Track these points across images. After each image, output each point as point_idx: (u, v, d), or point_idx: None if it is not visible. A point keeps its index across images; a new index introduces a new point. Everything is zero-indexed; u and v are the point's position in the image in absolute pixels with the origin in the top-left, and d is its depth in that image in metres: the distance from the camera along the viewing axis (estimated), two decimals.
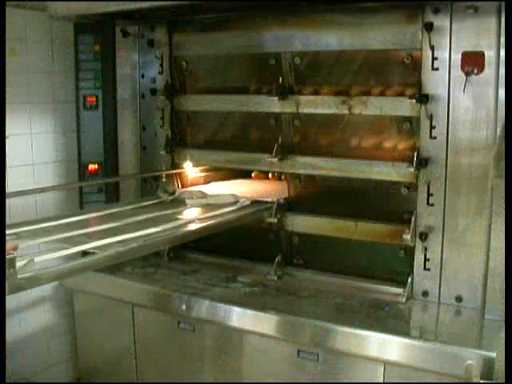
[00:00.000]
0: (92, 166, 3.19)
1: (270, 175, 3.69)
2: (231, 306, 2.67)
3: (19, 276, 1.81)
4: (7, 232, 2.23)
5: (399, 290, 2.67)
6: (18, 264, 1.79)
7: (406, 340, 2.31)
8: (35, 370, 3.31)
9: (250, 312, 2.62)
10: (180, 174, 3.39)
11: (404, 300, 2.62)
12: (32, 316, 3.29)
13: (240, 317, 2.65)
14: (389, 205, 2.81)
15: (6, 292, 1.81)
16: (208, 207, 2.85)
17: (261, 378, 2.66)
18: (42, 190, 3.00)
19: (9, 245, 1.96)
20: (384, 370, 2.36)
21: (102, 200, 3.19)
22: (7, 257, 1.74)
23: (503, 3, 2.24)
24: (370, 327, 2.40)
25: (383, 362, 2.35)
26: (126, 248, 2.17)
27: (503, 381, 1.77)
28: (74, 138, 3.23)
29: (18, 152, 3.17)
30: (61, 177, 3.37)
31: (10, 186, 3.09)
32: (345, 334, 2.41)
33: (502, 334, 1.79)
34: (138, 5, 2.75)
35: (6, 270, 1.75)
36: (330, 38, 2.77)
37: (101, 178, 3.20)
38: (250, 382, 2.69)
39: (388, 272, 2.79)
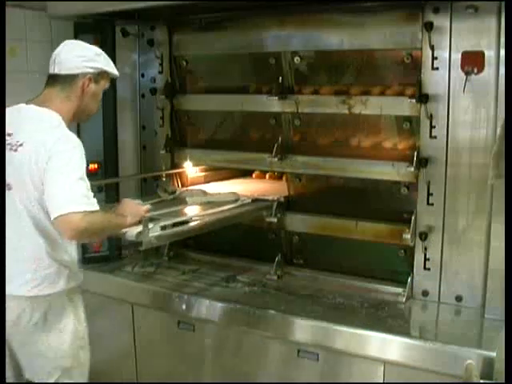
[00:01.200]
0: (92, 166, 3.18)
1: (267, 175, 3.68)
2: (231, 306, 2.67)
3: (150, 234, 2.26)
4: None
5: (399, 290, 2.67)
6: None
7: (406, 340, 2.31)
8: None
9: (249, 312, 2.62)
10: (180, 173, 3.39)
11: (404, 300, 2.62)
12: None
13: (240, 316, 2.65)
14: (389, 204, 2.81)
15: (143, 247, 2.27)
16: (208, 205, 2.84)
17: (260, 377, 2.66)
18: None
19: (144, 208, 2.34)
20: (384, 369, 2.35)
21: (101, 200, 3.18)
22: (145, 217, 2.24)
23: (503, 3, 2.24)
24: (370, 327, 2.40)
25: (383, 361, 2.35)
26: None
27: (503, 381, 1.77)
28: None
29: None
30: None
31: None
32: (345, 334, 2.41)
33: (503, 334, 1.79)
34: (137, 4, 2.76)
35: (143, 228, 2.21)
36: (330, 37, 2.77)
37: (101, 177, 3.20)
38: (249, 381, 2.69)
39: (388, 272, 2.80)
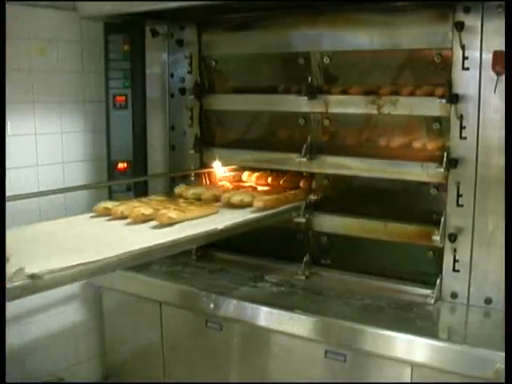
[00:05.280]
0: (121, 165, 3.22)
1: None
2: (259, 306, 2.67)
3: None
4: None
5: (428, 292, 2.65)
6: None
7: (435, 342, 2.29)
8: (64, 366, 3.34)
9: (277, 312, 2.62)
10: (209, 173, 3.40)
11: (432, 301, 2.60)
12: (61, 313, 3.32)
13: (267, 316, 2.65)
14: (418, 205, 2.79)
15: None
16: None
17: (287, 378, 2.66)
18: (66, 190, 3.01)
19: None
20: (412, 371, 2.34)
21: (131, 197, 3.21)
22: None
23: None
24: (398, 328, 2.38)
25: (411, 363, 2.33)
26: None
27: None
28: (104, 136, 3.26)
29: (49, 150, 3.21)
30: (90, 175, 3.40)
31: (41, 184, 3.14)
32: (372, 335, 2.40)
33: None
34: (167, 4, 2.76)
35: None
36: (360, 37, 2.75)
37: (130, 176, 3.22)
38: (276, 382, 2.69)
39: (416, 273, 2.77)
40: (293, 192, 3.06)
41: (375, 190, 2.90)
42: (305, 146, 2.90)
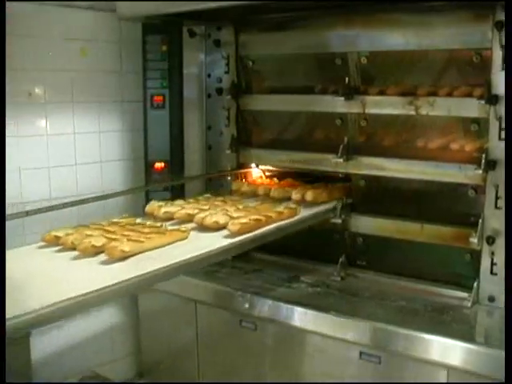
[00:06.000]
0: (158, 165, 3.23)
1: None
2: (293, 306, 2.67)
3: None
4: None
5: (464, 295, 2.62)
6: None
7: (471, 345, 2.27)
8: (101, 363, 3.37)
9: (312, 312, 2.62)
10: (245, 173, 3.41)
11: (469, 305, 2.57)
12: (98, 311, 3.35)
13: (302, 317, 2.65)
14: (455, 207, 2.76)
15: None
16: None
17: (321, 378, 2.65)
18: (107, 197, 2.97)
19: None
20: (448, 375, 2.32)
21: (167, 198, 3.23)
22: None
23: None
24: (434, 331, 2.36)
25: (447, 366, 2.31)
26: None
27: None
28: (141, 136, 3.28)
29: (87, 150, 3.24)
30: (127, 174, 3.43)
31: (79, 182, 3.18)
32: (407, 337, 2.38)
33: None
34: (206, 5, 2.77)
35: None
36: (397, 37, 2.74)
37: (166, 176, 3.24)
38: (310, 382, 2.69)
39: (453, 275, 2.74)
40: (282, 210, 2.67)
41: (411, 192, 2.88)
42: (341, 147, 2.90)
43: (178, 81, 3.22)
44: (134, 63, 3.31)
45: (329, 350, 2.62)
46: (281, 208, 2.67)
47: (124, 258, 2.06)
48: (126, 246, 2.08)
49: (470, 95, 2.59)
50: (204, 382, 3.05)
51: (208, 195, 3.00)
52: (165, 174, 3.24)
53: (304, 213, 2.76)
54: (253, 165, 3.39)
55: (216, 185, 3.39)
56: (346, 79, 2.88)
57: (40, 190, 3.05)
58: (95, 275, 1.94)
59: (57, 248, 2.23)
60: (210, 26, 3.33)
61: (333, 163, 2.95)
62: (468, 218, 2.66)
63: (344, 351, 2.58)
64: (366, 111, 2.86)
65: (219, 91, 3.34)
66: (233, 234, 2.34)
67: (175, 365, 3.16)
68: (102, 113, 3.29)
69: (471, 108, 2.55)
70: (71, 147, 3.18)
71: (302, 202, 2.85)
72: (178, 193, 3.20)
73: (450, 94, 2.68)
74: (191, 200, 2.84)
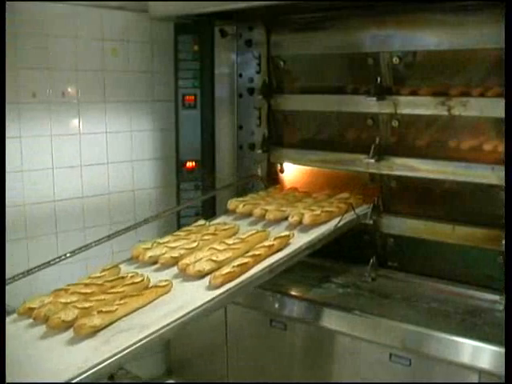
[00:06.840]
0: (189, 164, 3.25)
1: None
2: (324, 307, 2.66)
3: None
4: None
5: (496, 297, 2.59)
6: None
7: (503, 349, 2.24)
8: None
9: (342, 313, 2.61)
10: (279, 179, 3.43)
11: (502, 308, 2.54)
12: None
13: (332, 318, 2.64)
14: (486, 208, 2.73)
15: None
16: None
17: (351, 380, 2.64)
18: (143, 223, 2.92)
19: None
20: (479, 378, 2.29)
21: (198, 197, 3.25)
22: None
23: None
24: (465, 334, 2.34)
25: (478, 370, 2.29)
26: None
27: None
28: (173, 136, 3.30)
29: (119, 149, 3.27)
30: (158, 174, 3.45)
31: (111, 181, 3.21)
32: (439, 340, 2.36)
33: None
34: (236, 5, 2.78)
35: None
36: (429, 37, 2.72)
37: (198, 174, 3.26)
38: (339, 383, 2.68)
39: (485, 278, 2.71)
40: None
41: (443, 192, 2.86)
42: (373, 147, 2.88)
43: (209, 80, 3.23)
44: (165, 63, 3.33)
45: (359, 352, 2.61)
46: (271, 241, 2.53)
47: (94, 331, 1.93)
48: (97, 320, 1.95)
49: (502, 95, 2.56)
50: (233, 381, 3.06)
51: (202, 222, 2.89)
52: (196, 174, 3.26)
53: (298, 239, 2.66)
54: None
55: (247, 185, 3.39)
56: (378, 79, 2.86)
57: (72, 188, 3.09)
58: (57, 360, 1.81)
59: (29, 322, 2.06)
60: (242, 26, 3.33)
61: (364, 163, 2.94)
62: (500, 220, 2.62)
63: (374, 353, 2.57)
64: (398, 111, 2.84)
65: (250, 91, 3.34)
66: (215, 287, 2.20)
67: (204, 364, 3.17)
68: (134, 112, 3.31)
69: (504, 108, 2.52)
70: (103, 146, 3.21)
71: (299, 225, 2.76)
72: (209, 191, 3.22)
73: (482, 95, 2.65)
74: (182, 233, 2.70)
